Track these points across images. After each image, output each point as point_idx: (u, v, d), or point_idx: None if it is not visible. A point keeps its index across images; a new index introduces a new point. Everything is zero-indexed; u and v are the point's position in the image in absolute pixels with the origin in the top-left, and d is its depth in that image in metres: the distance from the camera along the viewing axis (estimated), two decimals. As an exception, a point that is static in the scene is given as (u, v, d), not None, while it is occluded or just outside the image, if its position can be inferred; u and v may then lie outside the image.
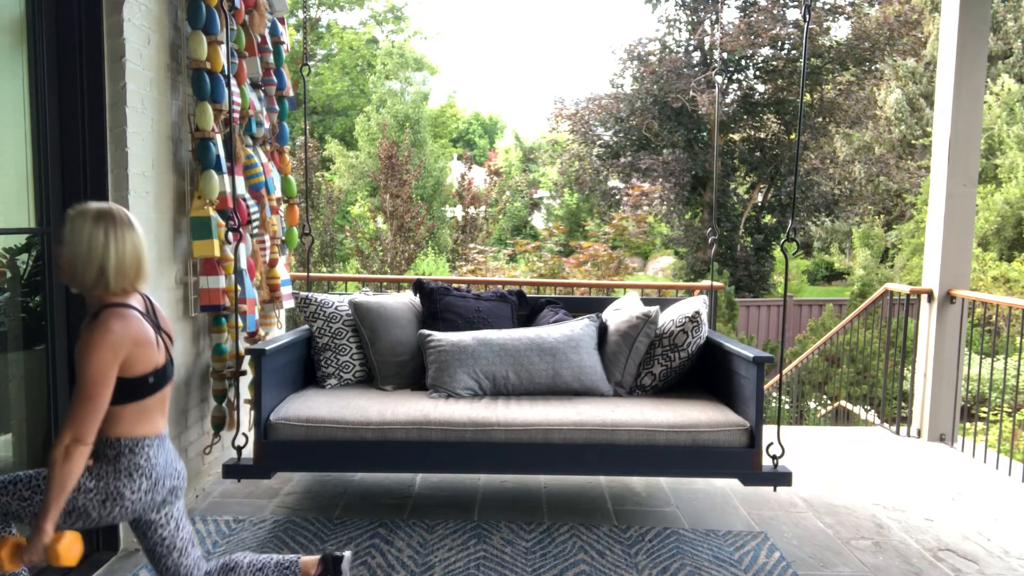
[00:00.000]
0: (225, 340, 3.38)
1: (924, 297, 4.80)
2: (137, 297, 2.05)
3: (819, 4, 14.07)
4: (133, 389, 1.98)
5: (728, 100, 14.70)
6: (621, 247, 11.04)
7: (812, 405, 8.08)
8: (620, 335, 3.48)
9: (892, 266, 15.42)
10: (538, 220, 23.36)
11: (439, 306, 3.72)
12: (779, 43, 14.37)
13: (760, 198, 16.11)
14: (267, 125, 3.88)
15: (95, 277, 1.94)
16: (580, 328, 3.46)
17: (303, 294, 3.61)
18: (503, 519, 3.30)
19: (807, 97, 14.76)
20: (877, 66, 15.08)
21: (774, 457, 3.09)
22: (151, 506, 2.08)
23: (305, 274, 4.51)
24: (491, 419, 3.05)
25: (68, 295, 2.75)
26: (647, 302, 3.85)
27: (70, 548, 1.89)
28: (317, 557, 2.34)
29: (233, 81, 3.23)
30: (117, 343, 1.91)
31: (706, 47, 15.35)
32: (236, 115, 3.36)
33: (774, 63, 14.60)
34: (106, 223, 1.97)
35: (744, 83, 15.30)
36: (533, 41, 76.31)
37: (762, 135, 15.56)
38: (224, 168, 3.26)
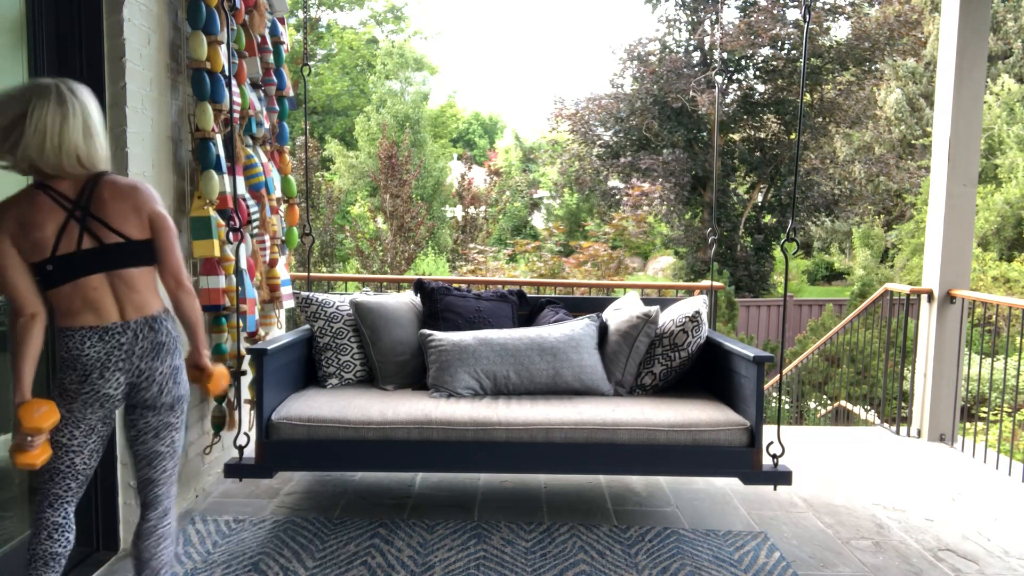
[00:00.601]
0: (225, 340, 3.38)
1: (924, 297, 4.80)
2: (68, 179, 2.00)
3: (819, 4, 14.07)
4: (38, 275, 1.97)
5: (728, 100, 14.70)
6: (621, 247, 11.04)
7: (812, 405, 8.08)
8: (620, 335, 3.48)
9: (892, 266, 15.42)
10: (538, 220, 23.35)
11: (440, 306, 3.72)
12: (779, 43, 14.37)
13: (760, 198, 16.11)
14: (267, 125, 3.88)
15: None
16: (580, 328, 3.46)
17: (304, 294, 3.61)
18: (503, 519, 3.30)
19: (807, 97, 14.77)
20: (877, 66, 15.08)
21: (774, 456, 3.09)
22: (97, 400, 2.04)
23: (305, 274, 4.51)
24: (492, 418, 3.05)
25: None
26: (647, 302, 3.85)
27: (30, 413, 1.94)
28: None
29: (233, 81, 3.23)
30: (2, 230, 1.92)
31: (706, 47, 15.36)
32: (236, 115, 3.36)
33: (774, 63, 14.61)
34: (29, 101, 1.93)
35: (744, 83, 15.30)
36: (533, 41, 76.34)
37: (762, 135, 15.57)
38: (224, 168, 3.26)
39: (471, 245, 13.17)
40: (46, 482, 2.07)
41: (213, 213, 3.19)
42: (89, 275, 2.00)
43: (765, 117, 15.37)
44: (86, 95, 2.04)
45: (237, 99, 3.36)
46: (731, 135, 15.66)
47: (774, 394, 7.63)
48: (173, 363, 2.14)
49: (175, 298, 2.16)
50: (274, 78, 3.91)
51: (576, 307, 4.01)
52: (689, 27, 15.63)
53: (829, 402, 7.92)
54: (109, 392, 2.05)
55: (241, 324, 3.33)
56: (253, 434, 3.71)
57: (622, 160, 15.58)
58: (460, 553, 2.97)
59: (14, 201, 1.96)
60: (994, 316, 5.27)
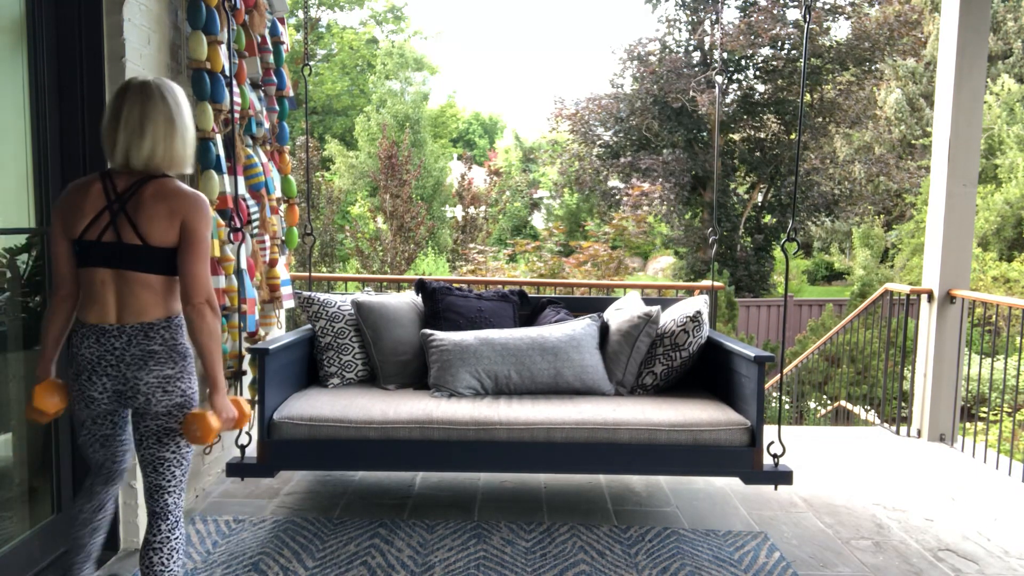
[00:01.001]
0: (225, 340, 3.38)
1: (924, 297, 4.80)
2: (127, 175, 2.05)
3: (819, 4, 14.08)
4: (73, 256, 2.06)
5: (728, 100, 14.70)
6: (621, 247, 11.03)
7: (812, 405, 8.08)
8: (621, 335, 3.48)
9: (892, 266, 15.42)
10: (538, 220, 23.36)
11: (441, 306, 3.72)
12: (779, 43, 14.37)
13: (760, 198, 16.11)
14: (267, 125, 3.88)
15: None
16: (581, 328, 3.46)
17: (306, 294, 3.62)
18: (503, 519, 3.30)
19: (807, 97, 14.77)
20: (877, 66, 15.08)
21: (775, 456, 3.09)
22: (83, 400, 2.07)
23: (306, 274, 4.51)
24: (493, 418, 3.05)
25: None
26: (648, 302, 3.85)
27: (41, 395, 2.05)
28: None
29: (233, 81, 3.23)
30: (58, 205, 2.05)
31: (706, 47, 15.36)
32: (236, 115, 3.36)
33: (774, 63, 14.61)
34: (121, 94, 2.07)
35: (744, 83, 15.31)
36: (533, 41, 76.30)
37: (762, 135, 15.57)
38: (224, 168, 3.25)
39: (471, 245, 13.16)
40: None
41: (213, 213, 3.18)
42: (98, 267, 2.03)
43: (765, 117, 15.37)
44: (169, 97, 2.09)
45: (237, 99, 3.36)
46: (731, 135, 15.66)
47: (774, 394, 7.63)
48: (163, 373, 2.03)
49: (186, 317, 2.08)
50: (274, 78, 3.91)
51: (577, 307, 4.01)
52: (689, 27, 15.63)
53: (829, 402, 7.92)
54: (94, 395, 2.05)
55: (241, 324, 3.33)
56: (255, 433, 3.71)
57: (622, 160, 15.58)
58: (460, 553, 2.97)
59: (77, 184, 2.06)
60: (994, 316, 5.27)
